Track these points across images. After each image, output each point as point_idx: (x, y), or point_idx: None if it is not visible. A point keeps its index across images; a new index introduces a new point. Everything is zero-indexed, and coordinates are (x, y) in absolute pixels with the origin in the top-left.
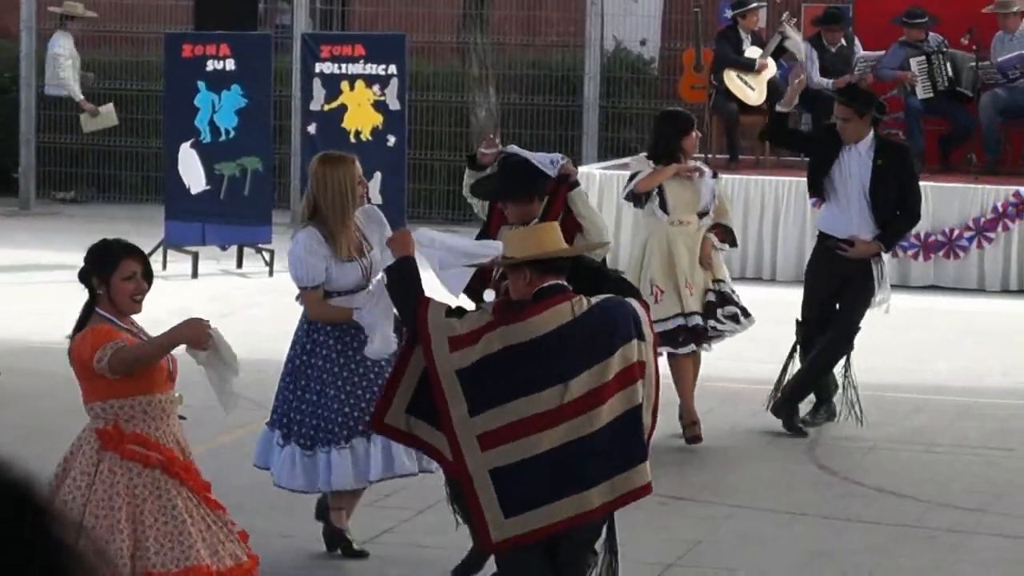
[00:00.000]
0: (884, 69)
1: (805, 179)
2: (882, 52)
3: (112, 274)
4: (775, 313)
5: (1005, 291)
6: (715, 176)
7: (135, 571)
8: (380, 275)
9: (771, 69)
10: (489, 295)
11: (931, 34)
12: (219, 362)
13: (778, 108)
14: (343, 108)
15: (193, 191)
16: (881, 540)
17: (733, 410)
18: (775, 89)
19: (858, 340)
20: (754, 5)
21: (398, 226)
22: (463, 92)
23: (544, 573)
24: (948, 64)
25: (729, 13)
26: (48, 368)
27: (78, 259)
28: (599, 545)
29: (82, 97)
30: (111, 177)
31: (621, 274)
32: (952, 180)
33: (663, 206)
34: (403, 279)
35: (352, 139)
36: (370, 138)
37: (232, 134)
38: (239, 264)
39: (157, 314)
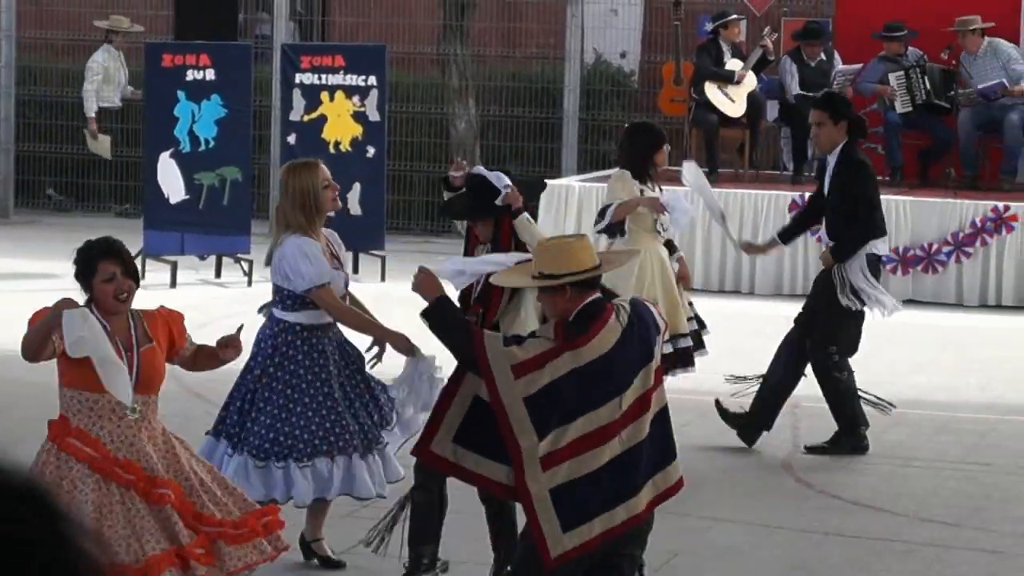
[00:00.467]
0: (864, 83)
1: (783, 193)
2: (860, 65)
3: (92, 278)
4: (753, 326)
5: (983, 306)
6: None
7: None
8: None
9: (751, 82)
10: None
11: (910, 48)
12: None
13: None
14: (323, 119)
15: (172, 201)
16: (859, 554)
17: (711, 423)
18: (755, 102)
19: None
20: (734, 17)
21: (377, 239)
22: (443, 103)
23: None
24: (926, 78)
25: (709, 26)
26: (30, 378)
27: (57, 267)
28: None
29: (92, 115)
30: (90, 186)
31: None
32: (931, 195)
33: (661, 223)
34: (445, 318)
35: (331, 150)
36: (350, 149)
37: (211, 144)
38: (218, 274)
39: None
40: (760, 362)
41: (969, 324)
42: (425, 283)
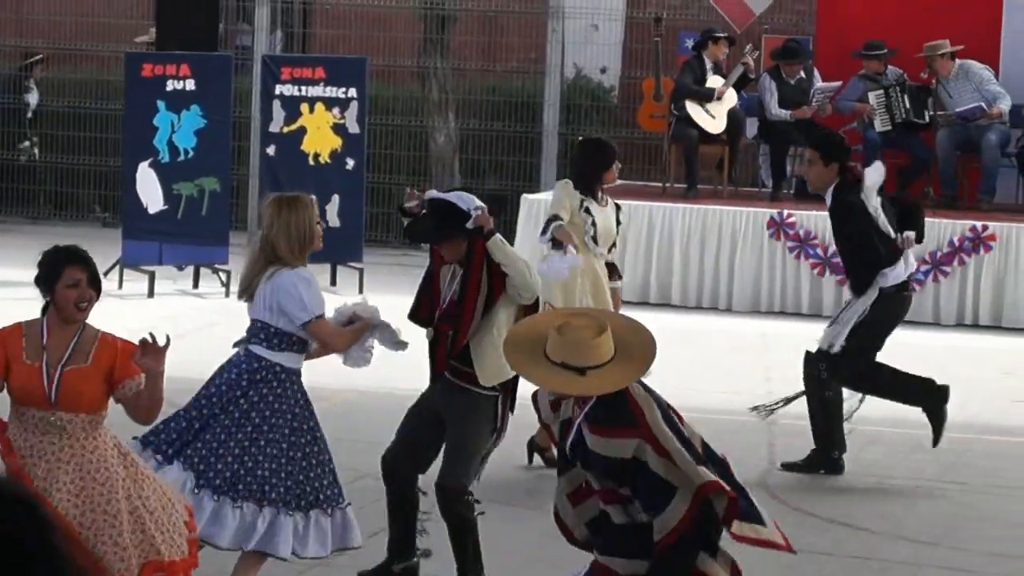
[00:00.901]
0: (843, 102)
1: (762, 210)
2: (839, 83)
3: (56, 282)
4: (731, 343)
5: (960, 325)
6: (618, 207)
7: None
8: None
9: (732, 98)
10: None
11: (889, 67)
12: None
13: None
14: (302, 130)
15: (151, 210)
16: (834, 571)
17: None
18: (735, 119)
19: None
20: (722, 35)
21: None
22: (423, 117)
23: None
24: (906, 97)
25: (690, 43)
26: None
27: (32, 276)
28: None
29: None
30: (70, 195)
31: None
32: None
33: (595, 238)
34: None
35: (311, 162)
36: (329, 161)
37: (191, 154)
38: (195, 284)
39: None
40: (739, 378)
41: (946, 343)
42: None
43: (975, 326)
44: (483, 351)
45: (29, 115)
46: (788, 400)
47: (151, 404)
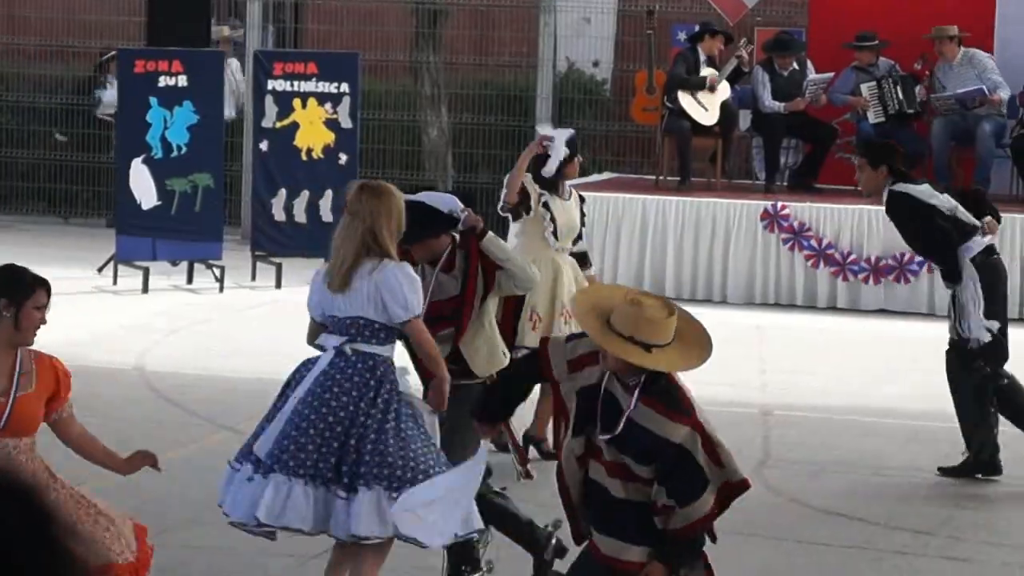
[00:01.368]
0: (835, 94)
1: (755, 203)
2: (831, 74)
3: (26, 300)
4: (725, 335)
5: None
6: (582, 199)
7: None
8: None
9: (725, 90)
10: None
11: (881, 59)
12: None
13: None
14: (295, 126)
15: (144, 207)
16: (829, 562)
17: None
18: (728, 111)
19: (808, 362)
20: (719, 31)
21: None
22: (415, 111)
23: None
24: (898, 88)
25: (683, 36)
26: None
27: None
28: None
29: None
30: (62, 192)
31: None
32: None
33: (555, 232)
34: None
35: (304, 157)
36: (321, 156)
37: (184, 150)
38: (189, 280)
39: (109, 329)
40: (732, 370)
41: (941, 334)
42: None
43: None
44: (477, 345)
45: (101, 112)
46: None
47: (102, 459)
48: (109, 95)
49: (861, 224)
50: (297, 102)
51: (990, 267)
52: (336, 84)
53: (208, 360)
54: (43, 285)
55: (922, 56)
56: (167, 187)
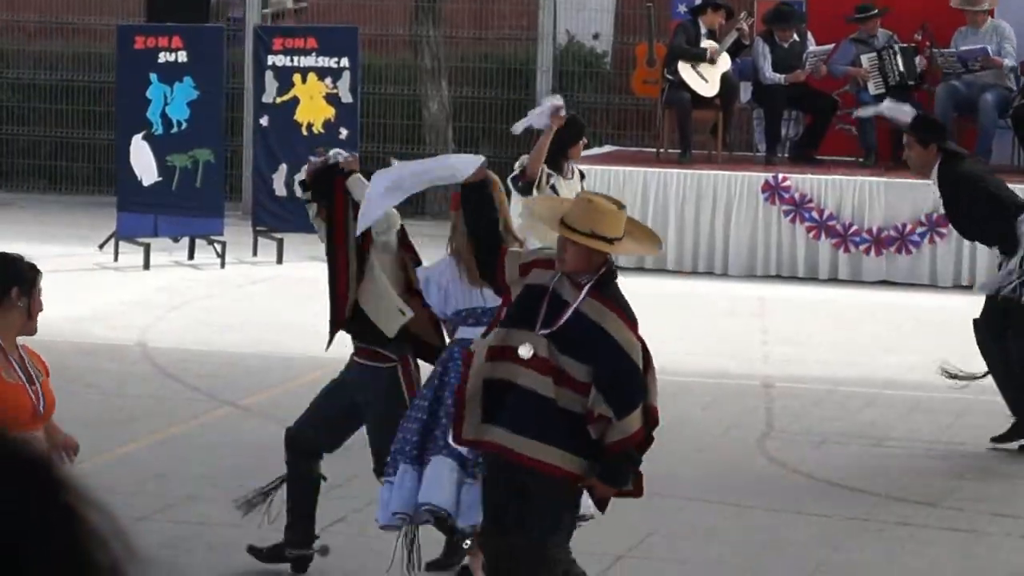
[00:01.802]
0: (835, 65)
1: (756, 174)
2: (831, 46)
3: (33, 288)
4: (726, 306)
5: (957, 286)
6: (582, 175)
7: None
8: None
9: (725, 62)
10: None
11: (880, 30)
12: None
13: None
14: (295, 101)
15: (145, 183)
16: (831, 533)
17: (684, 403)
18: (729, 83)
19: (810, 334)
20: (721, 4)
21: None
22: (415, 85)
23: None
24: (899, 59)
25: (683, 8)
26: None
27: (30, 250)
28: None
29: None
30: (63, 168)
31: None
32: (905, 175)
33: None
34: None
35: (304, 132)
36: (322, 131)
37: (184, 126)
38: (191, 256)
39: (111, 305)
40: (733, 342)
41: (943, 304)
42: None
43: (972, 286)
44: (374, 303)
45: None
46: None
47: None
48: None
49: (862, 195)
50: (297, 77)
51: None
52: (336, 59)
53: (209, 336)
54: (39, 271)
55: (922, 26)
56: (168, 163)
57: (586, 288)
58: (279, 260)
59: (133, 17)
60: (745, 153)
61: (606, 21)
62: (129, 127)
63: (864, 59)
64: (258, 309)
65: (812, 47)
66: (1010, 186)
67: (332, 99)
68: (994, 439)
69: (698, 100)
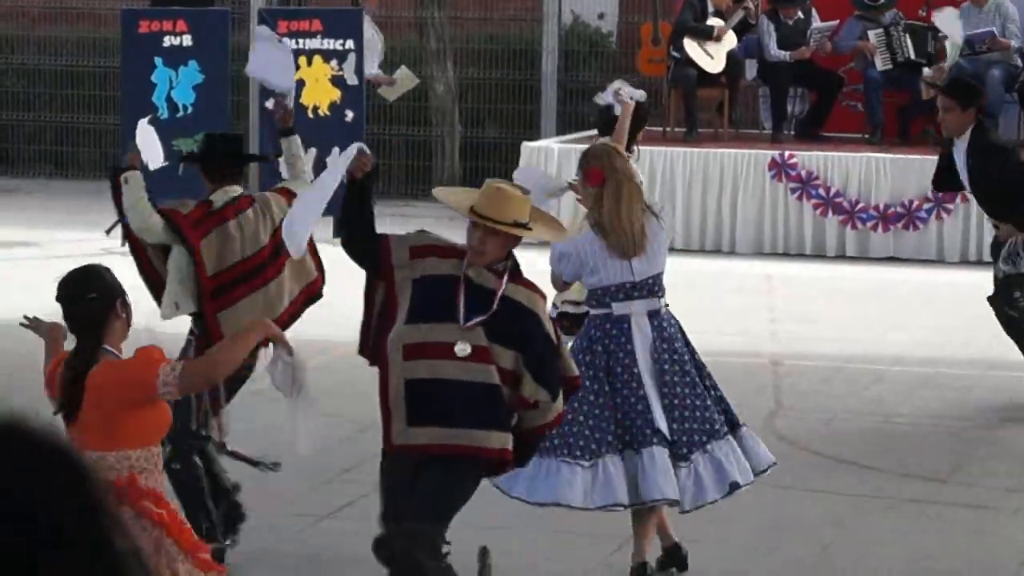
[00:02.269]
0: (842, 42)
1: (762, 152)
2: (836, 22)
3: (127, 298)
4: (733, 284)
5: (964, 262)
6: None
7: None
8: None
9: (731, 40)
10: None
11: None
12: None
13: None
14: (301, 83)
15: (151, 167)
16: (840, 510)
17: None
18: (734, 60)
19: (817, 311)
20: None
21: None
22: (421, 67)
23: (404, 487)
24: (907, 36)
25: None
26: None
27: (37, 236)
28: None
29: (373, 74)
30: (69, 154)
31: None
32: (911, 152)
33: None
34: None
35: (310, 115)
36: (328, 113)
37: (189, 110)
38: None
39: None
40: (741, 320)
41: (950, 280)
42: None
43: (979, 263)
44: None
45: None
46: None
47: None
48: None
49: (869, 172)
50: (303, 60)
51: None
52: (341, 41)
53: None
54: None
55: (926, 3)
56: (174, 147)
57: (506, 274)
58: None
59: (137, 1)
60: (751, 131)
61: (611, 1)
62: (134, 112)
63: (871, 34)
64: None
65: (816, 24)
66: None
67: (338, 81)
68: None
69: (704, 78)
